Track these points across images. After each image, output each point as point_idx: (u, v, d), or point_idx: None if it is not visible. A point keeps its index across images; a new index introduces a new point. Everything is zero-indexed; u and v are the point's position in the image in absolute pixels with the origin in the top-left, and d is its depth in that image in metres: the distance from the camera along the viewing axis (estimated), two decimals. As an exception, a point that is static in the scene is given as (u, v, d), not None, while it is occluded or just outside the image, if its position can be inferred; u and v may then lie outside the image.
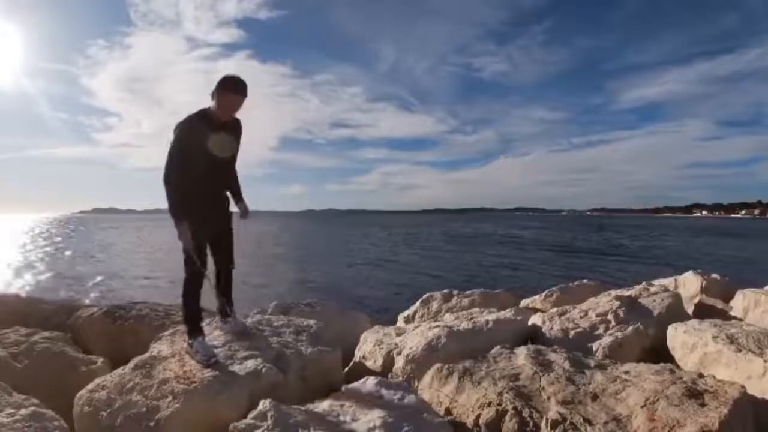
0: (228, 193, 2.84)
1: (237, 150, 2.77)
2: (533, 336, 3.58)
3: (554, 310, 3.97)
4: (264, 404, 2.02)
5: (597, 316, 3.60)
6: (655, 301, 3.92)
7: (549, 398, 2.27)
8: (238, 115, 2.66)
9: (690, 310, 4.57)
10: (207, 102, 2.56)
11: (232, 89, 2.49)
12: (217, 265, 2.82)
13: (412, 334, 3.48)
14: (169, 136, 2.49)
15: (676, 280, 5.59)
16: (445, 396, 2.48)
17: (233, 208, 2.87)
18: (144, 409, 2.03)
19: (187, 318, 2.63)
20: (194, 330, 2.59)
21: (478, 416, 2.25)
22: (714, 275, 5.40)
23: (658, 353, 3.20)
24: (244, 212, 2.88)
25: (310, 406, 2.13)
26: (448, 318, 4.16)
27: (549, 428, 2.05)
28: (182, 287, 2.62)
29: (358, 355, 3.68)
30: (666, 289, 4.35)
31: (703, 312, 4.39)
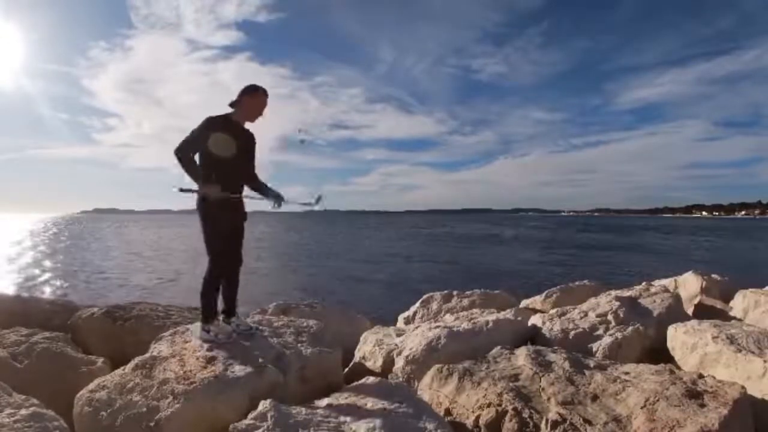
0: (244, 194, 2.94)
1: (253, 157, 2.97)
2: (533, 337, 3.58)
3: (554, 310, 3.97)
4: (264, 405, 2.02)
5: (597, 316, 3.60)
6: (655, 301, 3.92)
7: (549, 399, 2.27)
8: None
9: (690, 310, 4.57)
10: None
11: (264, 92, 2.80)
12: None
13: (412, 335, 3.47)
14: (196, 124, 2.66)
15: (676, 280, 5.58)
16: (445, 396, 2.48)
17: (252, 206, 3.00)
18: (144, 410, 2.03)
19: (204, 308, 2.77)
20: (211, 317, 2.75)
21: (478, 417, 2.25)
22: (714, 275, 5.40)
23: (658, 354, 3.21)
24: (277, 197, 2.95)
25: (310, 407, 2.13)
26: (448, 318, 4.16)
27: (549, 429, 2.05)
28: (204, 279, 2.76)
29: (358, 355, 3.68)
30: (666, 290, 4.35)
31: (703, 312, 4.39)
